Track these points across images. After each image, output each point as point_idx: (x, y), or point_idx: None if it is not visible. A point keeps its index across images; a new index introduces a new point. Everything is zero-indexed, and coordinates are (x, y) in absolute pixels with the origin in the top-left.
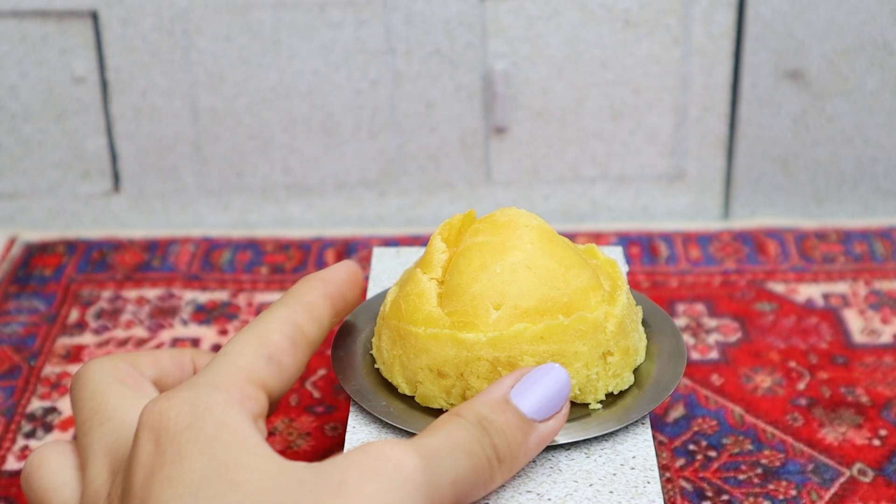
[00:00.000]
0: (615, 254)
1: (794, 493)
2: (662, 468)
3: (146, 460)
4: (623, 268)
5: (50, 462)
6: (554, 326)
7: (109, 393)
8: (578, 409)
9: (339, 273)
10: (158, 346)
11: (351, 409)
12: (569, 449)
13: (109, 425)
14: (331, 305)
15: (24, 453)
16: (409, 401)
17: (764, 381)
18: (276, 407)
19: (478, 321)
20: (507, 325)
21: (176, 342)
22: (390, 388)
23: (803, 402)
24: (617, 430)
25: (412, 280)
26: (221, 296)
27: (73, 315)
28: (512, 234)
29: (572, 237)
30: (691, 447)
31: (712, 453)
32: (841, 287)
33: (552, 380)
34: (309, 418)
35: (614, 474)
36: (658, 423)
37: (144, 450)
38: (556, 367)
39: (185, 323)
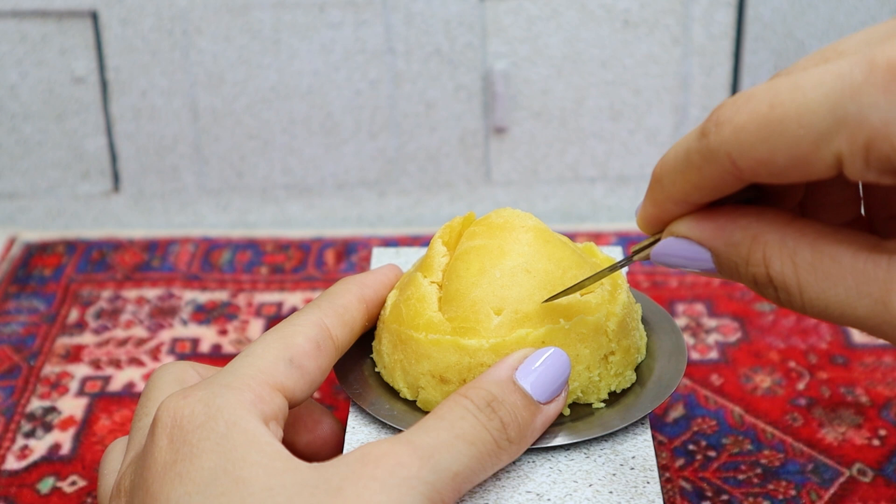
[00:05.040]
0: (615, 254)
1: (793, 493)
2: (662, 468)
3: (159, 456)
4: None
5: (115, 451)
6: (555, 331)
7: (161, 392)
8: (581, 409)
9: (379, 277)
10: (158, 347)
11: (351, 409)
12: (568, 449)
13: (146, 420)
14: (365, 310)
15: (23, 453)
16: (410, 403)
17: (763, 381)
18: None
19: (479, 327)
20: (508, 331)
21: (176, 342)
22: (391, 390)
23: (803, 402)
24: (617, 431)
25: (413, 284)
26: (221, 296)
27: (73, 315)
28: (509, 237)
29: (572, 237)
30: (691, 447)
31: (712, 453)
32: None
33: (553, 362)
34: None
35: (614, 474)
36: (658, 423)
37: (158, 445)
38: (557, 350)
39: (184, 323)
